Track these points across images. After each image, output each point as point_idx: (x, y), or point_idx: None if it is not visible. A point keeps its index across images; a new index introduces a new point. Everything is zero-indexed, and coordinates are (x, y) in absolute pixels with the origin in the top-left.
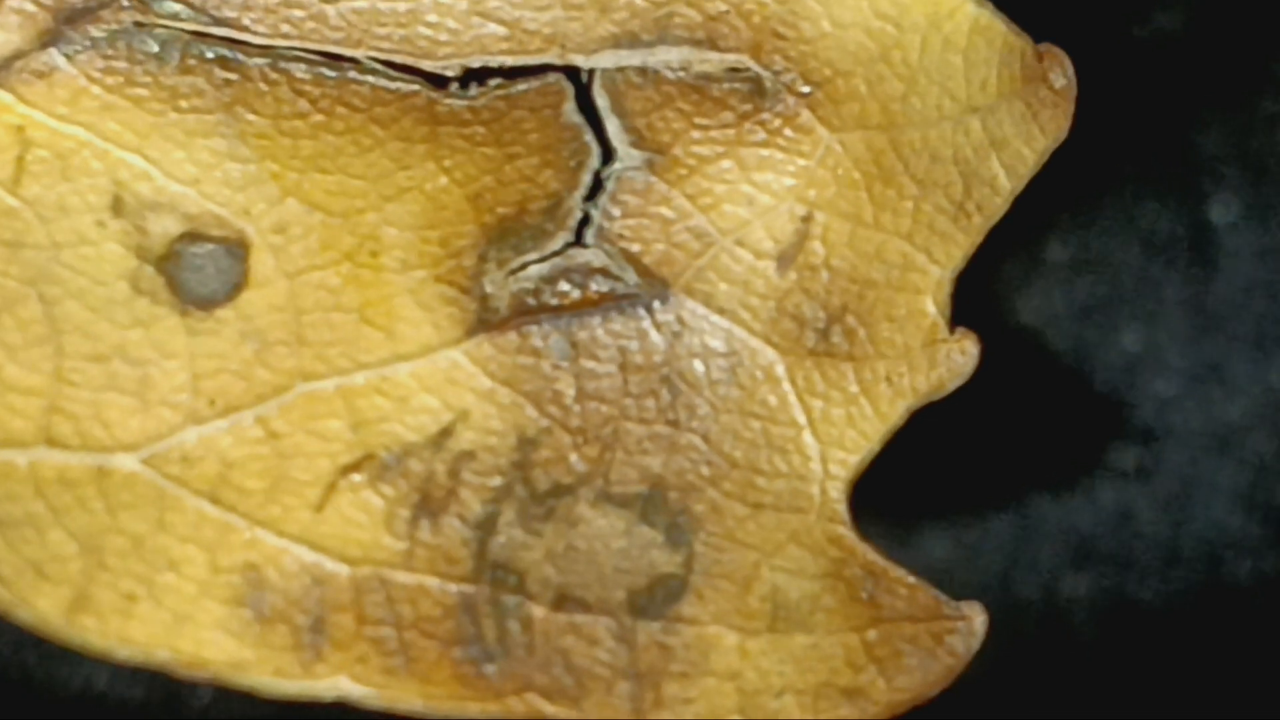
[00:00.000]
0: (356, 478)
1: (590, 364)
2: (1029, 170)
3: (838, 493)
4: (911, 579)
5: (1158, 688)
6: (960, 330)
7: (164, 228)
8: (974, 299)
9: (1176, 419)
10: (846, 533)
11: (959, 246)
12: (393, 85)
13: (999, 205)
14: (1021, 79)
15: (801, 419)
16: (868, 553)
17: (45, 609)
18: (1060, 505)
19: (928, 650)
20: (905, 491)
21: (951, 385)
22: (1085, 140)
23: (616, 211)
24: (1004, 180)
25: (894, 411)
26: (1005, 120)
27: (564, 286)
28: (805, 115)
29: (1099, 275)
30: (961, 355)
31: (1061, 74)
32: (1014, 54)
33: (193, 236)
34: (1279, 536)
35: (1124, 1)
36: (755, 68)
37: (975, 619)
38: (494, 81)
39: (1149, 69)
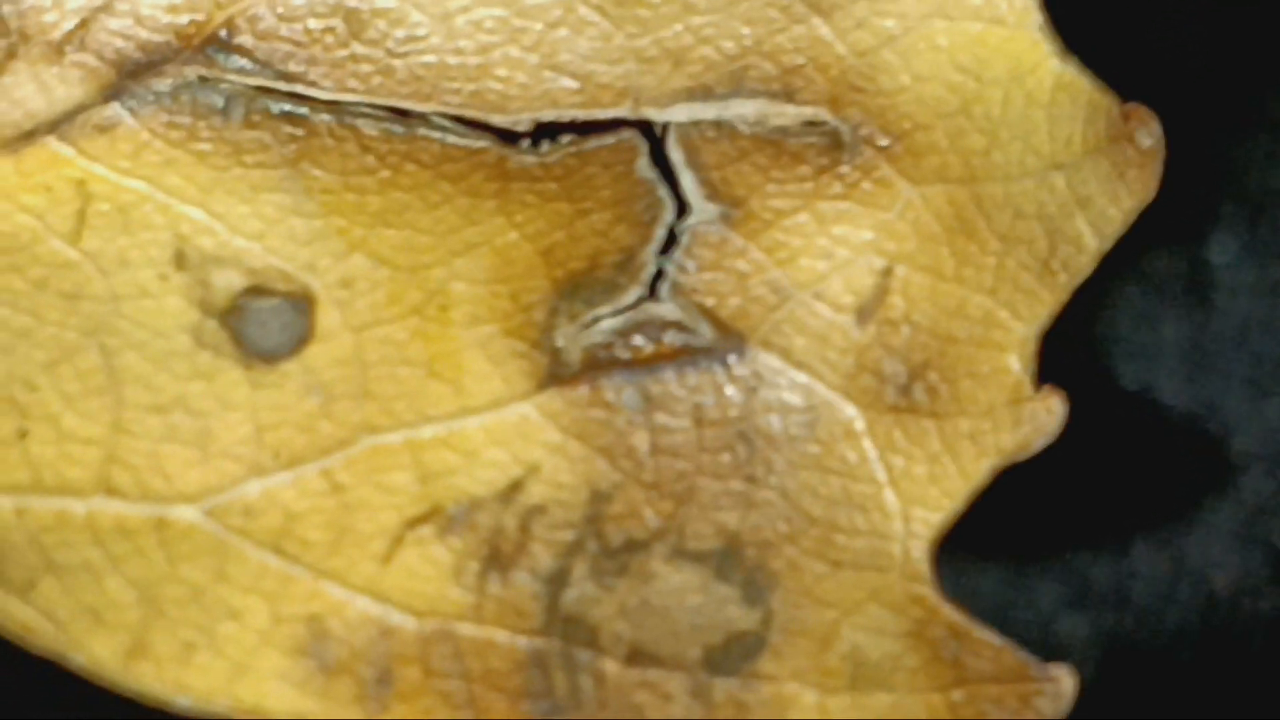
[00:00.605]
0: (424, 531)
1: (664, 418)
2: (1116, 230)
3: (920, 551)
4: (998, 640)
5: None
6: (1046, 388)
7: (227, 282)
8: None
9: (1174, 457)
10: (929, 592)
11: (1043, 304)
12: (462, 141)
13: (1085, 264)
14: (1107, 137)
15: (882, 476)
16: (951, 613)
17: (102, 654)
18: (1057, 544)
19: (1013, 711)
20: None
21: (1038, 444)
22: None
23: (691, 265)
24: (1090, 239)
25: (978, 470)
26: (1090, 178)
27: (637, 340)
28: (884, 168)
29: (1096, 314)
30: (1048, 414)
31: (1148, 134)
32: (1099, 111)
33: (257, 291)
34: (1277, 575)
35: (1124, 39)
36: (833, 121)
37: (1064, 681)
38: (566, 138)
39: (1148, 105)
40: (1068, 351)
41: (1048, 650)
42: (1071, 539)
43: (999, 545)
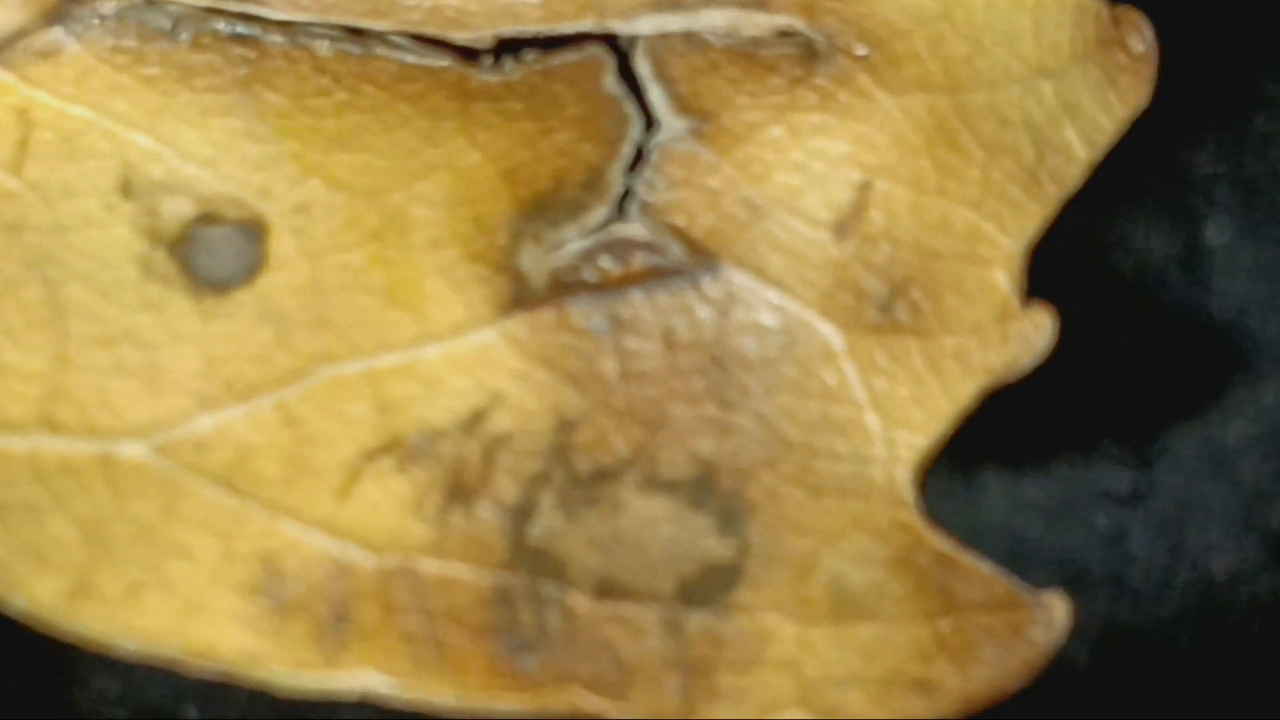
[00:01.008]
0: (383, 463)
1: (634, 342)
2: (1107, 140)
3: (904, 476)
4: (987, 567)
5: (1151, 714)
6: (1034, 303)
7: (177, 210)
8: None
9: (1171, 442)
10: (915, 518)
11: (1032, 217)
12: (422, 60)
13: (1075, 175)
14: (1096, 43)
15: (863, 398)
16: (939, 540)
17: (43, 595)
18: (1053, 529)
19: (1005, 642)
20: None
21: (1027, 363)
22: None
23: (661, 183)
24: (1079, 149)
25: (965, 391)
26: (1079, 85)
27: (605, 262)
28: (862, 78)
29: (1091, 296)
30: (1036, 330)
31: (1140, 39)
32: (1087, 15)
33: (208, 218)
34: (1275, 560)
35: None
36: (807, 30)
37: (1057, 608)
38: (530, 55)
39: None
40: (1062, 334)
41: None
42: (1066, 523)
43: (993, 529)
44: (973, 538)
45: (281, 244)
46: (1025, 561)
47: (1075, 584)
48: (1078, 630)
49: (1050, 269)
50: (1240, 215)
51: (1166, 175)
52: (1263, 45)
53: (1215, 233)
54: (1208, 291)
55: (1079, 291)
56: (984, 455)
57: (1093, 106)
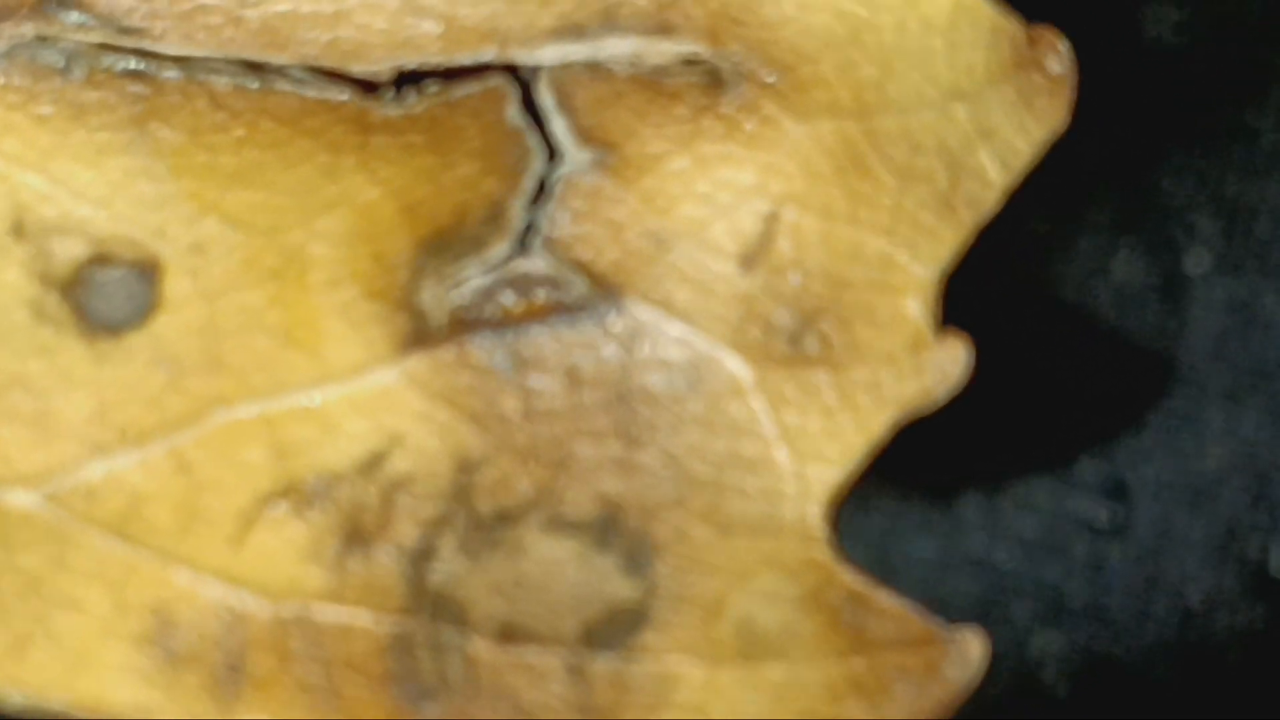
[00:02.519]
0: (279, 508)
1: (537, 380)
2: (1023, 163)
3: (816, 512)
4: (899, 603)
5: None
6: (949, 332)
7: (70, 252)
8: None
9: (1149, 472)
10: (826, 555)
11: (945, 244)
12: (322, 94)
13: (990, 199)
14: (1012, 64)
15: (772, 433)
16: (851, 577)
17: None
18: (1031, 559)
19: (918, 680)
20: (870, 544)
21: (942, 394)
22: (1057, 188)
23: (564, 217)
24: (994, 173)
25: (877, 423)
26: (994, 108)
27: (507, 298)
28: (768, 106)
29: (1070, 325)
30: (952, 361)
31: (1057, 60)
32: (1002, 37)
33: (101, 260)
34: (1252, 590)
35: (1099, 49)
36: (712, 57)
37: (972, 644)
38: (432, 86)
39: (1122, 116)
40: (1042, 364)
41: (1021, 666)
42: (1045, 553)
43: (972, 559)
44: (951, 569)
45: (177, 285)
46: (1004, 592)
47: (1054, 614)
48: (1057, 660)
49: (1027, 298)
50: (1219, 245)
51: (1146, 205)
52: (1241, 74)
53: (1194, 263)
54: (1186, 321)
55: (1056, 321)
56: (962, 487)
57: (1008, 129)
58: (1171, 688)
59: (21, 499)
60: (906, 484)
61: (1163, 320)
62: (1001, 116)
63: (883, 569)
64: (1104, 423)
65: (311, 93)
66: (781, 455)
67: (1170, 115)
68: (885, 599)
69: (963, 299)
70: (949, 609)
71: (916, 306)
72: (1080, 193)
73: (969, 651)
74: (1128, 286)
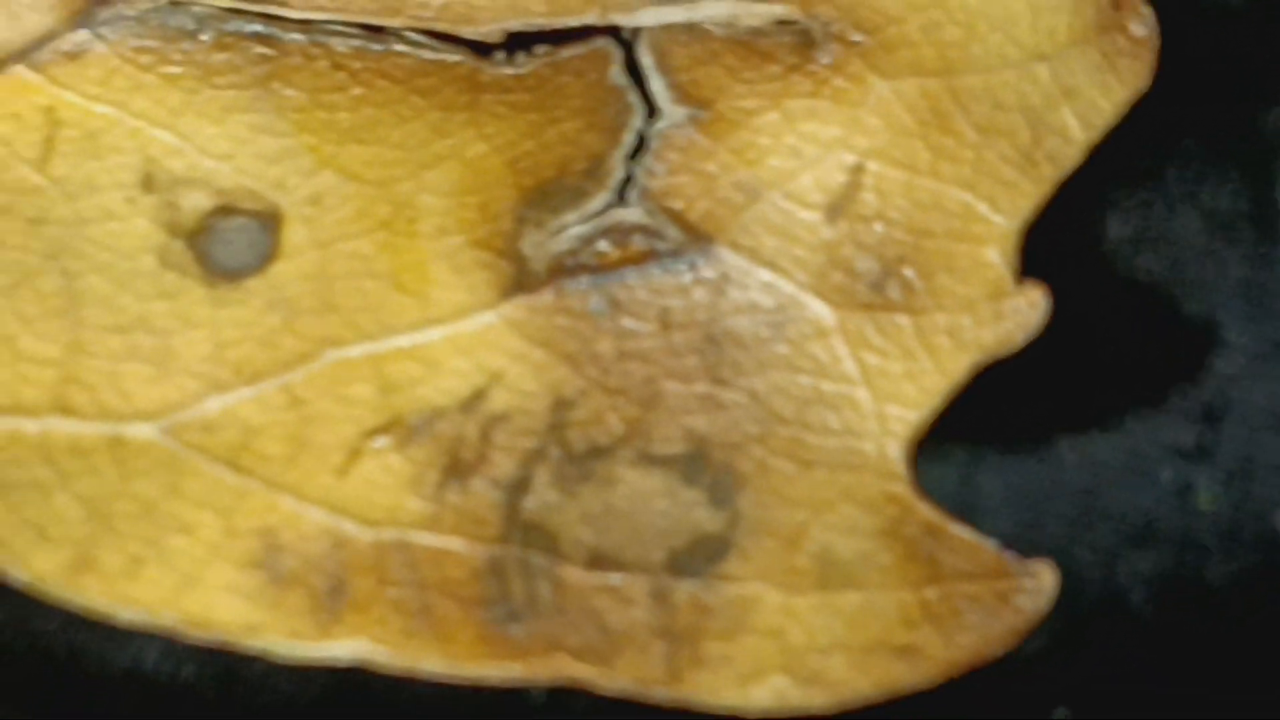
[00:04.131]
0: (382, 442)
1: (630, 323)
2: (1105, 121)
3: (895, 450)
4: (974, 536)
5: (1216, 667)
6: (1028, 281)
7: (195, 203)
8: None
9: (1237, 397)
10: (904, 490)
11: (1027, 197)
12: (436, 55)
13: (1071, 155)
14: (1096, 27)
15: (855, 374)
16: (927, 510)
17: (44, 569)
18: (1120, 484)
19: (990, 609)
20: (961, 470)
21: (1020, 339)
22: (1149, 117)
23: (660, 169)
24: (1077, 130)
25: (957, 366)
26: (1077, 69)
27: (603, 245)
28: (855, 64)
29: (1160, 252)
30: (1030, 307)
31: (1141, 23)
32: (1086, 1)
33: (224, 210)
34: None
35: None
36: (803, 19)
37: (1044, 576)
38: (540, 48)
39: (1215, 46)
40: (1132, 290)
41: (1109, 589)
42: (1134, 478)
43: (1061, 483)
44: (1040, 494)
45: (294, 234)
46: (1093, 517)
47: (1143, 538)
48: (1145, 584)
49: (1119, 225)
50: None
51: (1238, 133)
52: None
53: None
54: (1277, 248)
55: (1147, 248)
56: (1053, 414)
57: (1091, 89)
58: (1257, 611)
59: (141, 431)
60: (997, 411)
61: (1253, 247)
62: (1084, 77)
63: (973, 495)
64: (1193, 349)
65: (427, 54)
66: (862, 395)
67: (1263, 43)
68: (960, 532)
69: (1056, 225)
70: (1038, 534)
71: (996, 255)
72: (1172, 121)
73: (1041, 583)
74: (1218, 214)
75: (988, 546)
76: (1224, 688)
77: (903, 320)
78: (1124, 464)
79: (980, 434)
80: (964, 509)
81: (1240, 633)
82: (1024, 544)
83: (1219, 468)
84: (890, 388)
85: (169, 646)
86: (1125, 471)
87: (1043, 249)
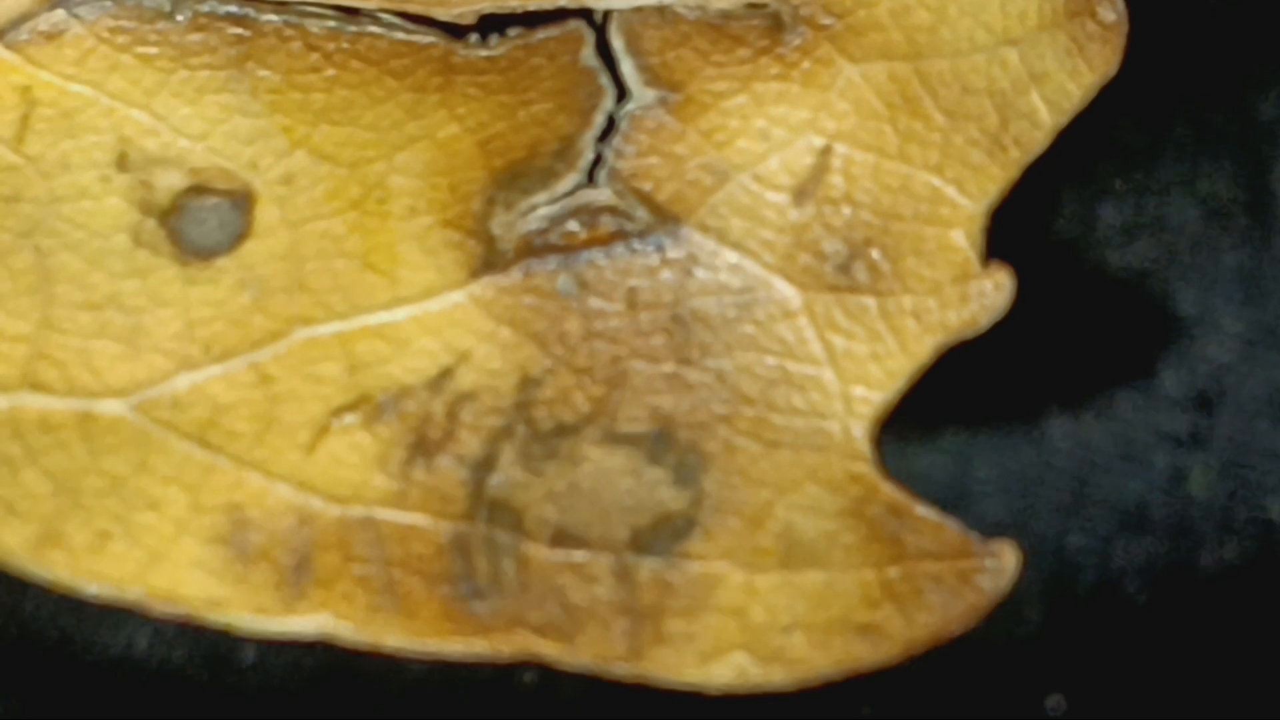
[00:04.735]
0: (350, 419)
1: (598, 302)
2: (1074, 105)
3: (860, 430)
4: (937, 516)
5: (1210, 654)
6: (994, 263)
7: (169, 182)
8: (1024, 262)
9: (1231, 384)
10: (868, 470)
11: (993, 180)
12: (410, 37)
13: (1039, 139)
14: (1066, 12)
15: (821, 355)
16: (891, 490)
17: (11, 543)
18: (1114, 470)
19: (952, 589)
20: (955, 455)
21: (985, 321)
22: (1143, 103)
23: (629, 151)
24: (1045, 114)
25: (921, 348)
26: (1047, 53)
27: (571, 226)
28: (824, 47)
29: (1154, 239)
30: (995, 290)
31: (1110, 8)
32: None
33: (198, 190)
34: None
35: None
36: (773, 2)
37: (1006, 556)
38: (514, 31)
39: (1210, 33)
40: (1126, 276)
41: (1102, 577)
42: (1127, 465)
43: (1055, 470)
44: (1034, 481)
45: (266, 213)
46: (1087, 503)
47: (1136, 525)
48: (1138, 571)
49: (1114, 210)
50: None
51: (1232, 119)
52: None
53: None
54: (1271, 235)
55: (1141, 234)
56: (1046, 400)
57: (1060, 74)
58: (1251, 599)
59: (111, 407)
60: (991, 397)
61: (1248, 234)
62: (1053, 61)
63: (967, 481)
64: (1187, 336)
65: (401, 36)
66: (828, 376)
67: (1260, 31)
68: (923, 512)
69: (1050, 210)
70: (1032, 521)
71: (963, 238)
72: (1166, 107)
73: (1002, 562)
74: (1214, 201)
75: (950, 526)
76: (1218, 675)
77: (869, 302)
78: (1118, 451)
79: (974, 421)
80: (957, 495)
81: (1234, 620)
82: (1017, 530)
83: (1213, 454)
84: (856, 369)
85: (160, 632)
86: (1119, 458)
87: (1037, 236)
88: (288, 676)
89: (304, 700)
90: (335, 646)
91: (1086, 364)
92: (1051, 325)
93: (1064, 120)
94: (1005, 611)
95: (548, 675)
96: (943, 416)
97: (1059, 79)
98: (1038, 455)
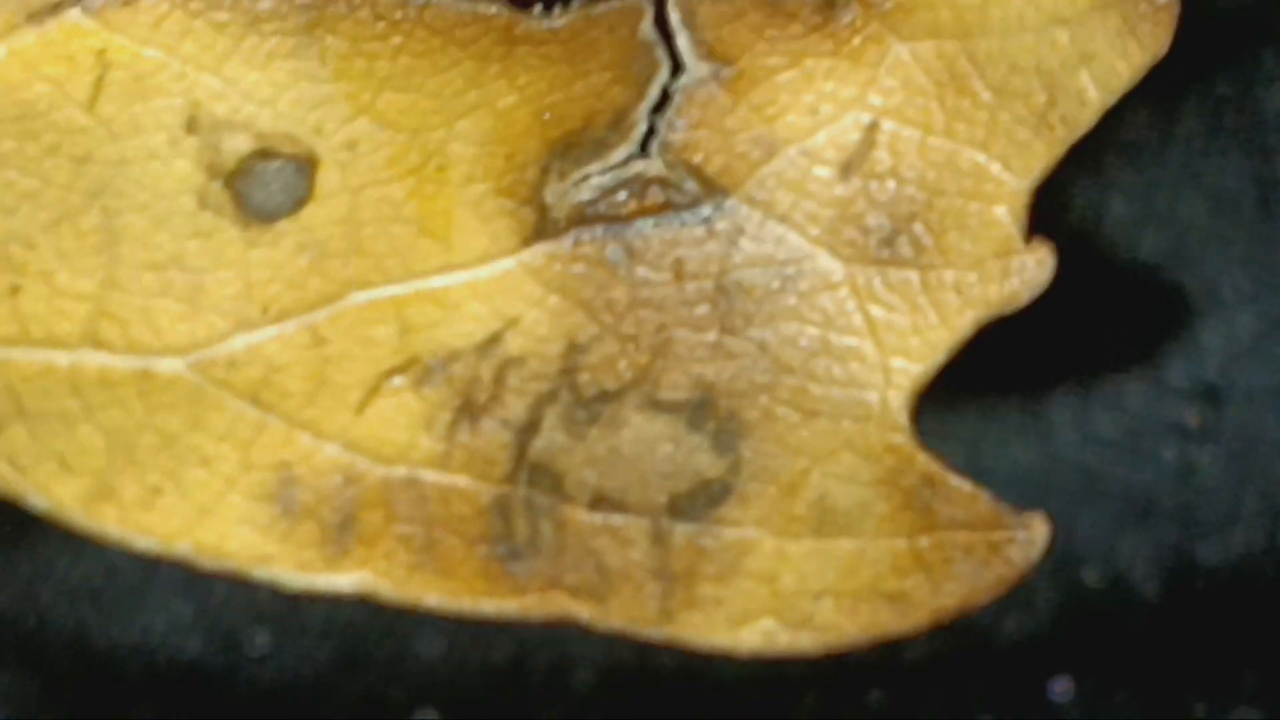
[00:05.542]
0: (398, 381)
1: (645, 271)
2: (1123, 85)
3: (899, 401)
4: (971, 487)
5: (1217, 644)
6: (1036, 239)
7: (236, 145)
8: None
9: (1240, 375)
10: (905, 441)
11: (1039, 158)
12: (475, 7)
13: (1086, 118)
14: None
15: (861, 326)
16: (927, 461)
17: (63, 497)
18: (1121, 461)
19: (982, 559)
20: (963, 445)
21: (1026, 297)
22: (1150, 96)
23: (681, 123)
24: (1093, 93)
25: (962, 322)
26: (1097, 33)
27: (622, 196)
28: (875, 25)
29: (1163, 231)
30: (1037, 265)
31: None
32: None
33: (263, 154)
34: None
35: None
36: None
37: (1037, 529)
38: (576, 2)
39: (1217, 25)
40: (1133, 266)
41: (1110, 567)
42: (1136, 456)
43: (1063, 461)
44: (1042, 471)
45: (328, 178)
46: (1094, 494)
47: (1144, 516)
48: (1146, 562)
49: (1121, 201)
50: None
51: (1241, 113)
52: None
53: None
54: (1279, 226)
55: (1148, 224)
56: (1054, 390)
57: (1110, 53)
58: (1259, 590)
59: (169, 365)
60: (999, 387)
61: (1256, 226)
62: (1103, 41)
63: (975, 472)
64: (1195, 327)
65: (465, 6)
66: (868, 347)
67: (1266, 21)
68: (957, 482)
69: (1058, 202)
70: (1040, 510)
71: (1006, 214)
72: (1173, 99)
73: (1034, 535)
74: (1221, 192)
75: (984, 497)
76: (1225, 665)
77: (911, 276)
78: (1126, 442)
79: (982, 411)
80: None
81: (1241, 611)
82: None
83: (1221, 446)
84: (896, 341)
85: (175, 621)
86: (1127, 450)
87: (1045, 229)
88: (300, 667)
89: (316, 690)
90: (349, 638)
91: (1094, 355)
92: (1060, 316)
93: (1112, 100)
94: (1014, 600)
95: (562, 678)
96: (951, 406)
97: (1108, 58)
98: (1045, 446)
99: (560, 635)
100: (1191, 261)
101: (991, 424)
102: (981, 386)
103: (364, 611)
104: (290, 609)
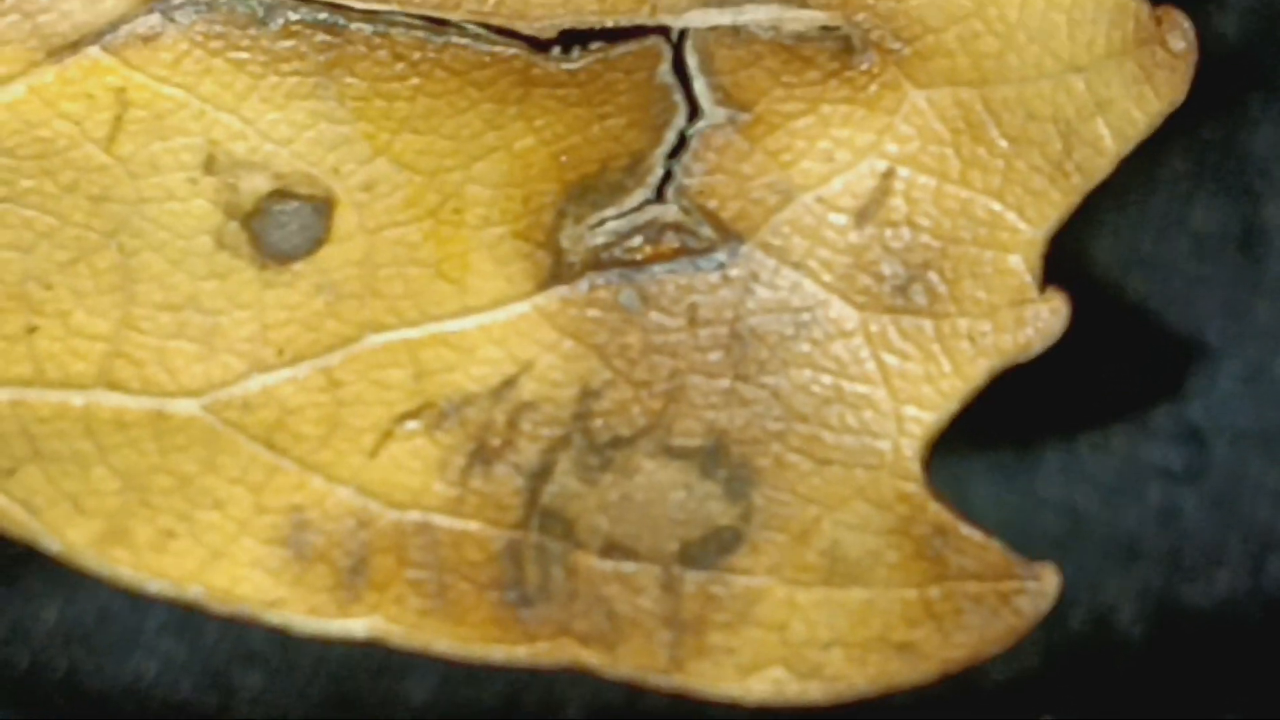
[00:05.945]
0: (412, 425)
1: (659, 317)
2: (1139, 133)
3: (911, 450)
4: (982, 536)
5: (1201, 687)
6: (1050, 289)
7: (254, 185)
8: None
9: (1225, 418)
10: (917, 490)
11: (1054, 206)
12: (494, 49)
13: (1102, 167)
14: (1135, 40)
15: (875, 374)
16: (939, 510)
17: (76, 540)
18: (1107, 504)
19: (992, 609)
20: (949, 486)
21: (1039, 346)
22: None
23: (698, 168)
24: (1109, 141)
25: (976, 371)
26: (1114, 81)
27: (637, 241)
28: (891, 72)
29: (1149, 274)
30: (1051, 314)
31: (1181, 37)
32: (1126, 14)
33: (281, 194)
34: None
35: (1178, 4)
36: (845, 25)
37: (1048, 579)
38: (594, 45)
39: (1203, 68)
40: (1119, 311)
41: (1095, 609)
42: (1121, 498)
43: (1048, 503)
44: (1027, 512)
45: (345, 219)
46: (1079, 536)
47: (1129, 559)
48: (1131, 604)
49: (1106, 246)
50: None
51: (1225, 155)
52: None
53: (1273, 212)
54: (1264, 270)
55: (1134, 269)
56: (1040, 432)
57: (1126, 101)
58: (1244, 634)
59: (184, 407)
60: (986, 428)
61: (1242, 269)
62: (1120, 89)
63: (961, 510)
64: (1180, 370)
65: (485, 46)
66: (881, 395)
67: (1251, 66)
68: (968, 532)
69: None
70: (1025, 551)
71: (1021, 263)
72: (1159, 142)
73: (1044, 585)
74: (1207, 236)
75: (995, 547)
76: (1210, 707)
77: (925, 324)
78: (1111, 484)
79: (968, 451)
80: None
81: (1226, 653)
82: None
83: (1206, 489)
84: (909, 389)
85: (167, 662)
86: (1112, 491)
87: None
88: (292, 707)
89: None
90: (341, 678)
91: (1080, 397)
92: (1046, 358)
93: (1128, 148)
94: None
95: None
96: (937, 447)
97: (1124, 106)
98: (1031, 487)
99: (550, 675)
100: (1177, 305)
101: (978, 465)
102: (969, 428)
103: (355, 651)
104: (282, 649)
